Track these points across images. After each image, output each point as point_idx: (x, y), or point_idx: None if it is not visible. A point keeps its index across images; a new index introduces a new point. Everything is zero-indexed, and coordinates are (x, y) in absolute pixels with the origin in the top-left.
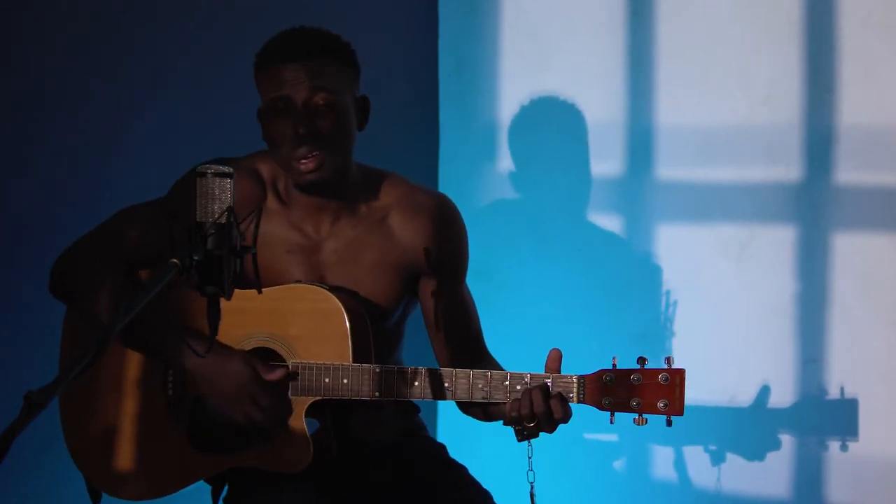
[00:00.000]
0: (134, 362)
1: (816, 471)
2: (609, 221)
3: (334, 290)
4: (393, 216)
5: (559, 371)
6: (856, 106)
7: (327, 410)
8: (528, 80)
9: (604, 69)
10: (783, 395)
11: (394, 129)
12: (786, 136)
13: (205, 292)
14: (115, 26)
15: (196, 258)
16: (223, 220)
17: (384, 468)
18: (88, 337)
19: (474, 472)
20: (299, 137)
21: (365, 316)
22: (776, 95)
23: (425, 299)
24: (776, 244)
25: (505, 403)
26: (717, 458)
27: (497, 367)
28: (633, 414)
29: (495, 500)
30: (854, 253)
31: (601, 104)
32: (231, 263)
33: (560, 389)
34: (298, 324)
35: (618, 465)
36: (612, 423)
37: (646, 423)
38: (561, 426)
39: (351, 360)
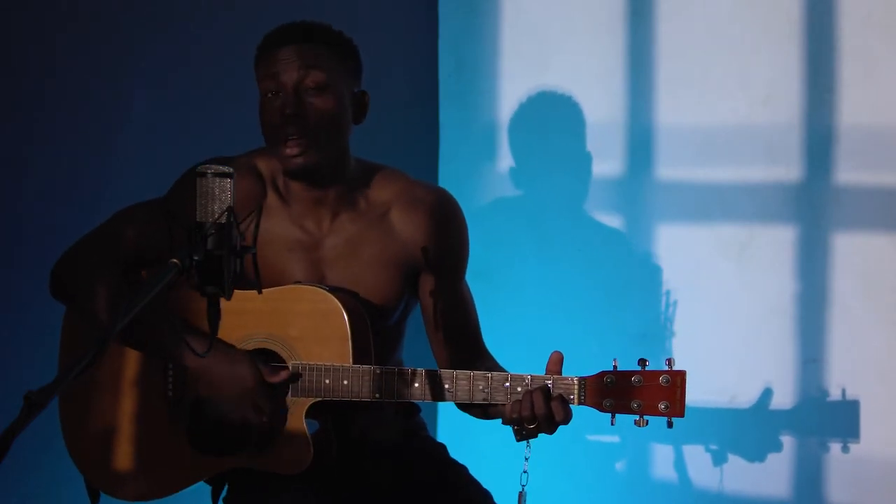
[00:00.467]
0: (134, 363)
1: (817, 471)
2: (609, 221)
3: (334, 290)
4: (393, 211)
5: (560, 373)
6: (856, 106)
7: (327, 411)
8: (528, 80)
9: (604, 69)
10: (783, 396)
11: (394, 129)
12: (786, 136)
13: (205, 292)
14: (115, 26)
15: (196, 258)
16: (223, 220)
17: (384, 468)
18: (88, 338)
19: (474, 471)
20: (286, 118)
21: (365, 316)
22: (776, 95)
23: (425, 295)
24: (776, 244)
25: (505, 405)
26: (718, 459)
27: (496, 364)
28: (633, 416)
29: (495, 499)
30: (854, 253)
31: (601, 104)
32: (231, 263)
33: (561, 391)
34: (298, 325)
35: (618, 465)
36: (612, 424)
37: (646, 424)
38: (561, 427)
39: (351, 361)
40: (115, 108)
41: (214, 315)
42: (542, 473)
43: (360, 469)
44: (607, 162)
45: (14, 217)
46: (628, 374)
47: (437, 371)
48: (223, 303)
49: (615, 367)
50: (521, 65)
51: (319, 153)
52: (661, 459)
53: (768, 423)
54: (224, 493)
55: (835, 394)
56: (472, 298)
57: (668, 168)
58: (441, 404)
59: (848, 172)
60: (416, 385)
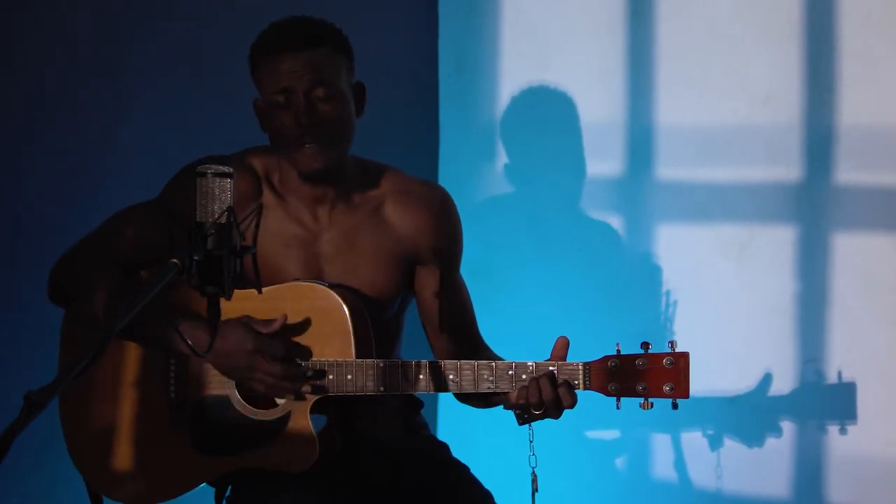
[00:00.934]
0: (135, 365)
1: (817, 471)
2: (609, 221)
3: (333, 286)
4: (388, 205)
5: (565, 359)
6: (856, 106)
7: (331, 406)
8: (528, 80)
9: (604, 69)
10: (783, 396)
11: (394, 129)
12: (786, 136)
13: (205, 292)
14: (114, 27)
15: (196, 258)
16: (223, 220)
17: (385, 468)
18: (88, 340)
19: (476, 471)
20: (303, 128)
21: (364, 312)
22: (776, 95)
23: (421, 287)
24: (776, 244)
25: (509, 393)
26: (718, 458)
27: (494, 355)
28: (638, 399)
29: (496, 500)
30: (854, 253)
31: (601, 104)
32: (231, 263)
33: (566, 377)
34: (299, 322)
35: (619, 464)
36: (618, 408)
37: (651, 406)
38: (561, 425)
39: (354, 355)
40: (115, 108)
41: (214, 315)
42: (541, 473)
43: (362, 468)
44: (607, 162)
45: (14, 217)
46: (632, 357)
47: (441, 362)
48: (223, 303)
49: (618, 351)
50: (521, 65)
51: (336, 155)
52: (661, 458)
53: (768, 422)
54: (228, 494)
55: (835, 394)
56: (467, 290)
57: (668, 168)
58: (442, 403)
59: (848, 172)
60: (421, 377)
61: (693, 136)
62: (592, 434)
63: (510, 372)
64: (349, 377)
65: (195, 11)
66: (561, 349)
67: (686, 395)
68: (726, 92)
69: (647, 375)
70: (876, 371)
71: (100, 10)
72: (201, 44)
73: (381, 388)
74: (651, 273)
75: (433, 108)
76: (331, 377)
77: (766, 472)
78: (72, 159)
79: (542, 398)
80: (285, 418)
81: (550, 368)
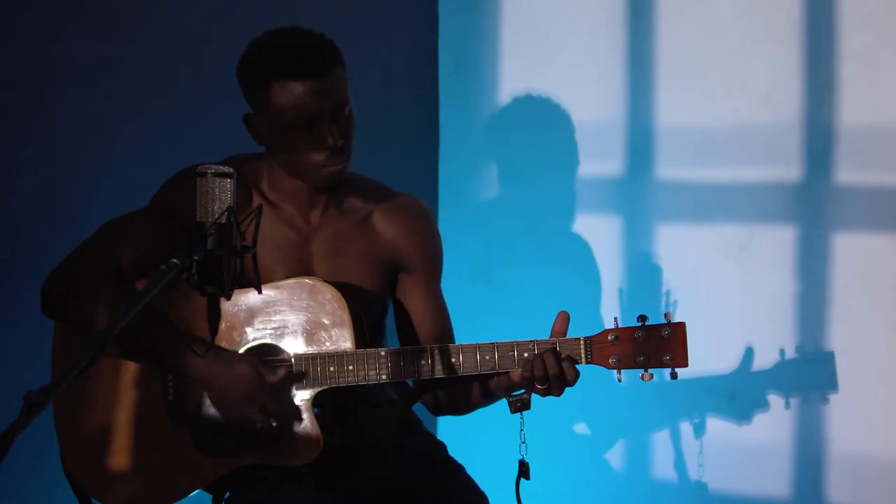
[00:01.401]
0: (130, 371)
1: (817, 471)
2: (609, 221)
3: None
4: (375, 214)
5: (566, 333)
6: (856, 106)
7: (330, 402)
8: (528, 80)
9: (604, 69)
10: (783, 396)
11: (394, 129)
12: (786, 136)
13: (205, 292)
14: (113, 27)
15: (196, 258)
16: (223, 220)
17: (383, 466)
18: (84, 349)
19: (472, 471)
20: (335, 149)
21: (359, 310)
22: (776, 95)
23: (403, 296)
24: (776, 244)
25: (508, 372)
26: (718, 458)
27: None
28: (639, 370)
29: (491, 502)
30: (854, 253)
31: (601, 104)
32: (231, 263)
33: (567, 352)
34: (298, 317)
35: (618, 463)
36: (619, 380)
37: (651, 378)
38: (560, 423)
39: (353, 346)
40: (115, 108)
41: (215, 315)
42: (541, 472)
43: (360, 467)
44: (607, 162)
45: (13, 217)
46: (631, 329)
47: (444, 346)
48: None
49: (617, 324)
50: (521, 65)
51: (349, 164)
52: (661, 458)
53: (768, 422)
54: (227, 496)
55: (835, 394)
56: (446, 305)
57: (668, 168)
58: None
59: (848, 172)
60: (423, 362)
61: (693, 136)
62: (591, 433)
63: (511, 352)
64: (350, 367)
65: (193, 14)
66: (562, 324)
67: (685, 363)
68: (726, 92)
69: (646, 346)
70: (876, 371)
71: (98, 11)
72: (199, 46)
73: (384, 377)
74: (651, 273)
75: (433, 108)
76: (331, 369)
77: (766, 471)
78: (71, 160)
79: (548, 372)
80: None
81: (553, 345)
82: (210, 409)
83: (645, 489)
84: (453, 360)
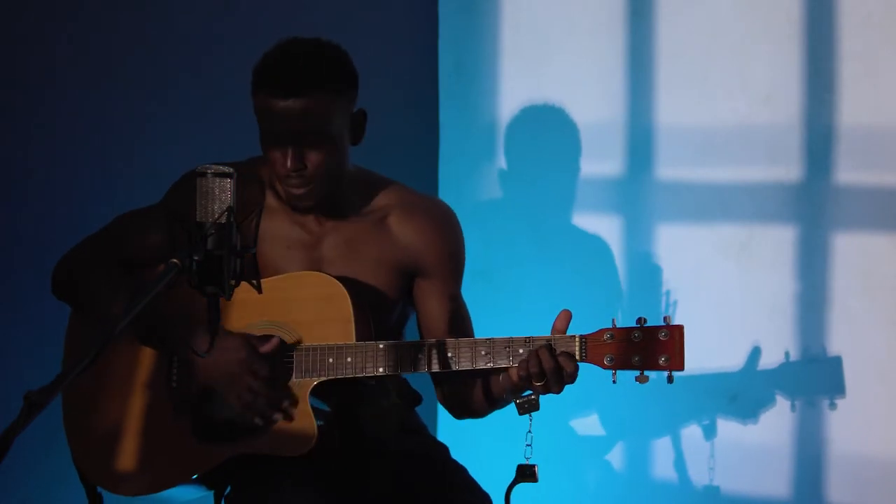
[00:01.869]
0: (137, 358)
1: (817, 471)
2: (609, 221)
3: (335, 277)
4: (392, 217)
5: (566, 331)
6: (856, 106)
7: (331, 399)
8: (528, 80)
9: (604, 69)
10: (783, 396)
11: (394, 128)
12: (786, 136)
13: (205, 292)
14: (114, 27)
15: (196, 258)
16: (223, 220)
17: (385, 468)
18: (90, 337)
19: (474, 473)
20: (288, 171)
21: (366, 306)
22: (776, 95)
23: (420, 301)
24: (776, 244)
25: (508, 369)
26: (718, 458)
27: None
28: (634, 371)
29: (494, 502)
30: (854, 253)
31: (601, 104)
32: (231, 263)
33: (563, 349)
34: (301, 309)
35: (618, 463)
36: (614, 381)
37: (647, 380)
38: (561, 423)
39: (354, 340)
40: (116, 109)
41: (215, 315)
42: (541, 473)
43: (361, 467)
44: (607, 162)
45: (14, 217)
46: (628, 330)
47: (440, 340)
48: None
49: (614, 324)
50: (521, 65)
51: (321, 194)
52: (661, 458)
53: (768, 422)
54: (227, 493)
55: (835, 394)
56: (466, 308)
57: (668, 168)
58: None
59: (848, 172)
60: (420, 356)
61: (693, 136)
62: (590, 432)
63: (507, 347)
64: (349, 360)
65: (197, 14)
66: (562, 321)
67: (681, 366)
68: (726, 92)
69: (643, 348)
70: (876, 371)
71: (104, 12)
72: (203, 46)
73: (381, 370)
74: (651, 273)
75: (433, 108)
76: (330, 360)
77: (766, 471)
78: (72, 160)
79: (543, 367)
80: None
81: (547, 342)
82: (209, 395)
83: (645, 489)
84: (449, 354)
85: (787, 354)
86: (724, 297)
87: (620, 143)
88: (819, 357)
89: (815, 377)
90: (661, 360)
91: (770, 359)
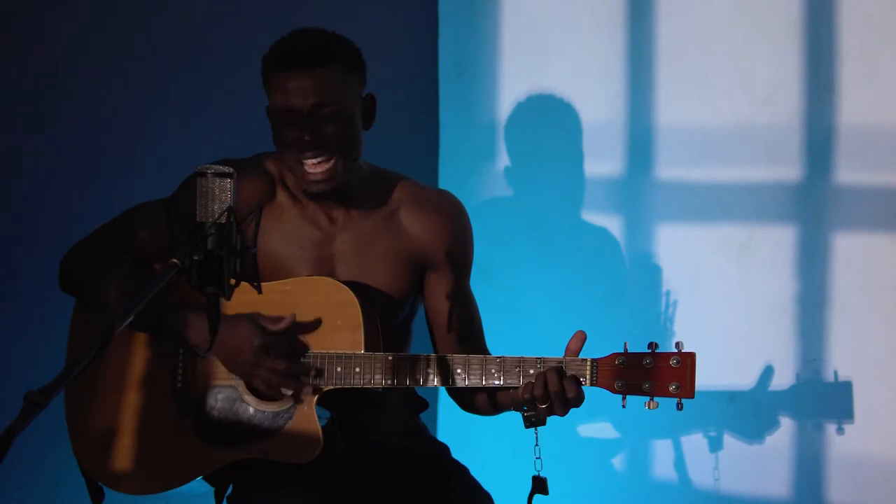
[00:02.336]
0: (140, 357)
1: (816, 470)
2: (609, 221)
3: (345, 283)
4: (402, 211)
5: (580, 352)
6: (856, 106)
7: (336, 404)
8: (528, 80)
9: (604, 69)
10: (783, 395)
11: (394, 129)
12: (786, 136)
13: (205, 292)
14: (114, 28)
15: (196, 258)
16: (223, 220)
17: (387, 468)
18: (95, 331)
19: (476, 473)
20: (305, 144)
21: (374, 313)
22: (776, 95)
23: (430, 293)
24: (776, 244)
25: (517, 388)
26: (718, 458)
27: None
28: (644, 397)
29: (496, 502)
30: (854, 252)
31: (601, 104)
32: (231, 263)
33: (573, 372)
34: (311, 315)
35: (618, 464)
36: (623, 406)
37: (657, 406)
38: (561, 425)
39: (364, 349)
40: (117, 109)
41: (215, 315)
42: (541, 474)
43: (363, 468)
44: (607, 162)
45: (14, 217)
46: (640, 356)
47: (449, 356)
48: (234, 295)
49: (626, 349)
50: (521, 65)
51: (340, 172)
52: (661, 458)
53: (768, 422)
54: (229, 492)
55: (834, 393)
56: (475, 302)
57: (668, 168)
58: (442, 405)
59: (848, 172)
60: (429, 371)
61: (693, 136)
62: (592, 434)
63: (517, 368)
64: (357, 370)
65: (203, 12)
66: (577, 342)
67: (691, 395)
68: (726, 92)
69: (654, 374)
70: (876, 371)
71: (114, 13)
72: (208, 44)
73: (389, 382)
74: (651, 273)
75: (433, 109)
76: (339, 369)
77: (766, 471)
78: (72, 160)
79: (548, 389)
80: (291, 410)
81: (559, 364)
82: (214, 398)
83: (645, 489)
84: (458, 370)
85: (786, 354)
86: (724, 297)
87: (620, 143)
88: (819, 357)
89: (814, 377)
90: (672, 388)
91: (770, 359)
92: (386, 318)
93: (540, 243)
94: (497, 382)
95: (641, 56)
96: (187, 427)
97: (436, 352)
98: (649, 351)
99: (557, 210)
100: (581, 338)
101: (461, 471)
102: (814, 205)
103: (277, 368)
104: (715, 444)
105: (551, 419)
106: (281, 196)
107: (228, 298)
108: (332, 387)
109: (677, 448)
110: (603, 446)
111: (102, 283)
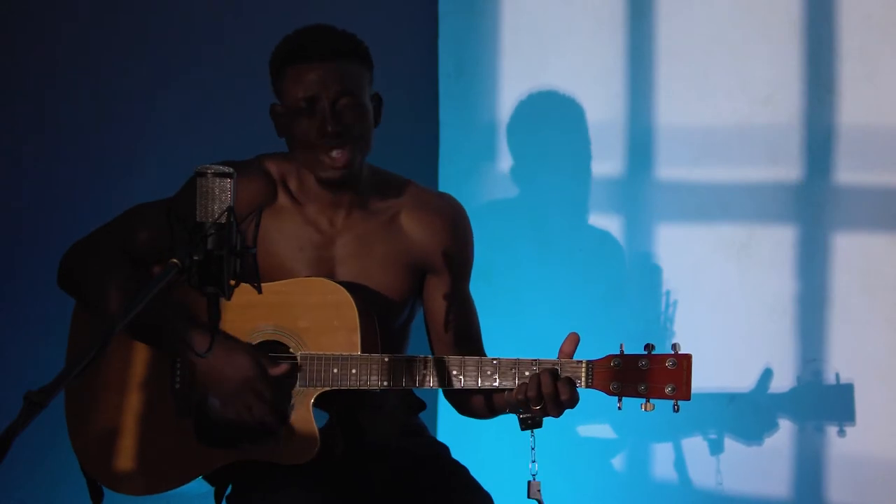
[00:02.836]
0: (140, 358)
1: (816, 470)
2: (609, 221)
3: (343, 284)
4: (403, 214)
5: (573, 353)
6: (856, 106)
7: (334, 405)
8: (528, 80)
9: (604, 69)
10: (783, 395)
11: (394, 129)
12: (786, 136)
13: (205, 292)
14: (114, 28)
15: (196, 258)
16: (223, 220)
17: (386, 468)
18: (94, 330)
19: (475, 473)
20: (329, 136)
21: (373, 314)
22: (776, 95)
23: (430, 297)
24: (776, 244)
25: (512, 390)
26: (717, 458)
27: None
28: (640, 399)
29: (496, 502)
30: (854, 252)
31: (601, 104)
32: (231, 263)
33: (568, 374)
34: (308, 316)
35: (617, 464)
36: (619, 408)
37: (653, 408)
38: (560, 425)
39: (360, 351)
40: (117, 109)
41: (215, 315)
42: (540, 473)
43: (363, 468)
44: (607, 162)
45: (14, 217)
46: (635, 357)
47: (445, 358)
48: (234, 296)
49: (622, 350)
50: (521, 65)
51: (358, 162)
52: (661, 458)
53: (768, 422)
54: (228, 492)
55: (834, 393)
56: (475, 307)
57: (668, 168)
58: (442, 405)
59: (848, 172)
60: (425, 372)
61: (693, 136)
62: (591, 434)
63: (513, 369)
64: (353, 371)
65: (204, 13)
66: (570, 344)
67: (687, 396)
68: (726, 92)
69: (650, 376)
70: (876, 371)
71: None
72: (210, 45)
73: (385, 383)
74: (651, 273)
75: (433, 109)
76: (335, 371)
77: (766, 471)
78: (72, 160)
79: (542, 391)
80: (287, 412)
81: (554, 366)
82: (212, 399)
83: (645, 489)
84: (454, 372)
85: (786, 354)
86: (724, 297)
87: (620, 143)
88: (819, 357)
89: (814, 377)
90: (668, 390)
91: (770, 359)
92: (384, 321)
93: (540, 243)
94: (492, 384)
95: (641, 56)
96: (187, 428)
97: (433, 355)
98: (645, 352)
99: (557, 210)
100: (574, 340)
101: (461, 471)
102: (814, 205)
103: (254, 411)
104: (714, 444)
105: (549, 420)
106: (282, 198)
107: (228, 298)
108: (328, 388)
109: (677, 448)
110: (602, 447)
111: (101, 283)
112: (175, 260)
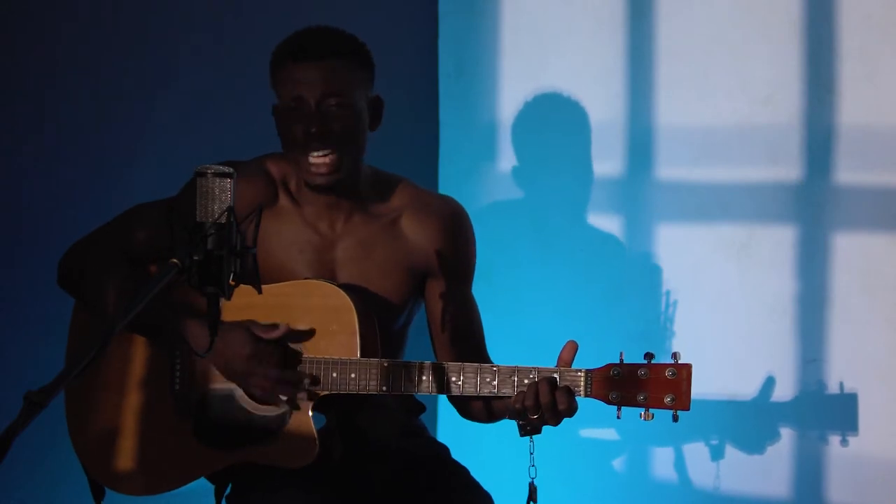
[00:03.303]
0: (140, 358)
1: (817, 471)
2: (609, 221)
3: (343, 287)
4: (404, 218)
5: (572, 363)
6: (856, 106)
7: (333, 409)
8: (528, 80)
9: (604, 69)
10: (783, 395)
11: (394, 129)
12: (786, 136)
13: (205, 292)
14: (114, 28)
15: (196, 258)
16: (223, 220)
17: (386, 469)
18: (94, 330)
19: (475, 474)
20: (311, 136)
21: (373, 317)
22: (776, 95)
23: (431, 301)
24: (776, 244)
25: (511, 397)
26: (717, 458)
27: None
28: (639, 409)
29: (496, 502)
30: (854, 253)
31: (601, 104)
32: (231, 263)
33: (567, 383)
34: (307, 319)
35: (618, 465)
36: (618, 417)
37: (652, 417)
38: (562, 425)
39: (359, 355)
40: (118, 109)
41: (214, 314)
42: (540, 475)
43: (363, 469)
44: (607, 162)
45: (14, 217)
46: (635, 366)
47: (444, 364)
48: (234, 297)
49: (622, 359)
50: (521, 65)
51: (345, 167)
52: (661, 459)
53: (768, 422)
54: (227, 492)
55: (835, 393)
56: (478, 309)
57: (668, 168)
58: (442, 406)
59: (848, 172)
60: (424, 378)
61: (693, 136)
62: (591, 436)
63: (512, 377)
64: (352, 376)
65: (204, 13)
66: (569, 352)
67: (686, 407)
68: (726, 92)
69: (649, 385)
70: (876, 371)
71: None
72: (210, 45)
73: (384, 388)
74: (651, 273)
75: (433, 109)
76: (334, 375)
77: (766, 472)
78: (73, 160)
79: (539, 400)
80: (287, 415)
81: (553, 374)
82: (212, 400)
83: (645, 490)
84: (454, 378)
85: (786, 354)
86: (724, 297)
87: (620, 143)
88: (819, 357)
89: (814, 377)
90: (667, 400)
91: (770, 359)
92: (384, 324)
93: (540, 244)
94: (490, 391)
95: (641, 56)
96: (186, 428)
97: (436, 358)
98: (645, 361)
99: (557, 210)
100: (573, 348)
101: (461, 471)
102: (814, 205)
103: (269, 377)
104: (715, 445)
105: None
106: (282, 199)
107: (228, 298)
108: (327, 392)
109: (677, 448)
110: (603, 450)
111: (100, 283)
112: (175, 260)
